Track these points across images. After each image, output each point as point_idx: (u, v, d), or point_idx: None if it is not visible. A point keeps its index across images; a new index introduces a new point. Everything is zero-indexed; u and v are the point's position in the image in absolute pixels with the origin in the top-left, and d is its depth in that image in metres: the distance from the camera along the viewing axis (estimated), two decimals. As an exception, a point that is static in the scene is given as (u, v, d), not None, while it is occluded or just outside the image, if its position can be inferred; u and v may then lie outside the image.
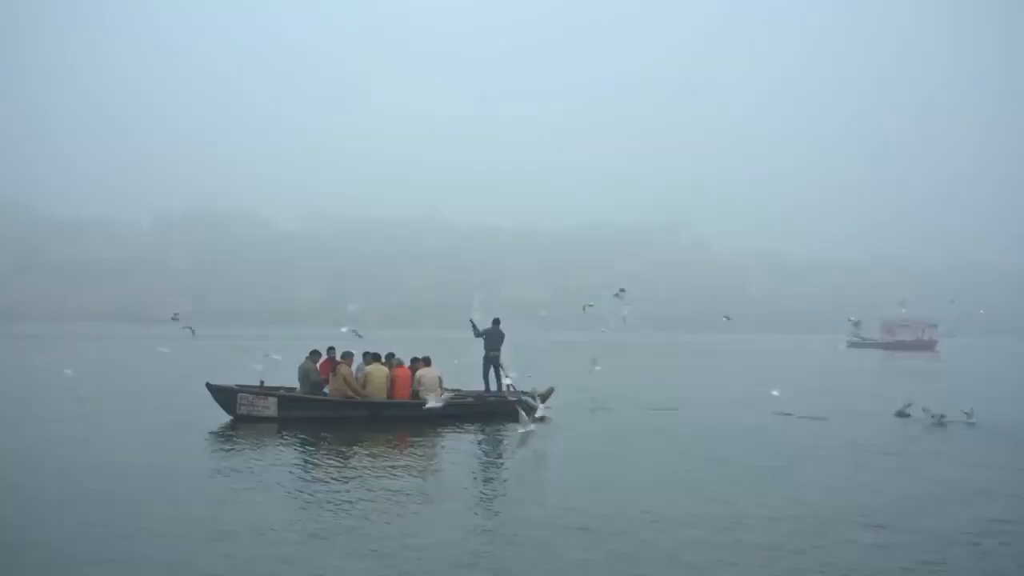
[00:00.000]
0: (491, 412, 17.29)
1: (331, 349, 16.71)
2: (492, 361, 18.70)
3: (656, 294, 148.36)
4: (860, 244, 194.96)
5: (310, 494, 10.32)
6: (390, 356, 17.12)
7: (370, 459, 12.73)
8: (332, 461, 12.50)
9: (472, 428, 16.01)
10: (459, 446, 14.44)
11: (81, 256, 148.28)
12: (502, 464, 13.30)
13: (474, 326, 19.20)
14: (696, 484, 11.39)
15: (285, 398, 15.97)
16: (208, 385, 16.02)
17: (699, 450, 14.10)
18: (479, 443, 14.89)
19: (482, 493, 10.99)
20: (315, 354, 16.68)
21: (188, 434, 14.70)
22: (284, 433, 14.73)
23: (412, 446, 14.17)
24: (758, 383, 23.23)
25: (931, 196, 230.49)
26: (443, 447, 14.41)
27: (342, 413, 15.90)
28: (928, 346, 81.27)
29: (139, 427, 15.57)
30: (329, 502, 9.90)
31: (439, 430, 15.62)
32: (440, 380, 16.98)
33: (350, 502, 9.89)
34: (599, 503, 10.18)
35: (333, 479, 11.20)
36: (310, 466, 12.10)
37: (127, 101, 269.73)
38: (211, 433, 14.79)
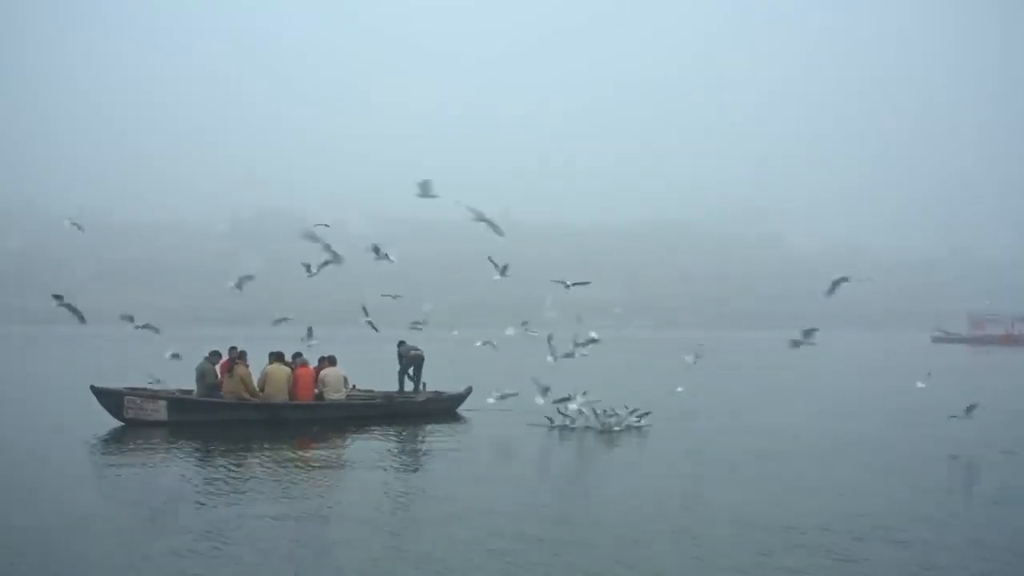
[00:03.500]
0: (399, 413, 16.01)
1: (232, 349, 15.18)
2: (414, 361, 17.24)
3: (726, 290, 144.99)
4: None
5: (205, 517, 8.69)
6: (296, 355, 15.57)
7: (271, 471, 11.01)
8: (227, 473, 10.86)
9: (378, 430, 14.48)
10: (368, 448, 13.03)
11: (154, 259, 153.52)
12: (416, 468, 11.90)
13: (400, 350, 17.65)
14: (695, 491, 10.16)
15: (176, 401, 14.38)
16: (93, 388, 14.39)
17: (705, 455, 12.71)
18: (388, 446, 13.42)
19: (409, 505, 9.54)
20: (215, 355, 15.03)
21: (59, 443, 13.23)
22: (172, 440, 13.12)
23: (317, 452, 12.76)
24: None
25: (931, 194, 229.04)
26: (351, 452, 12.97)
27: (239, 416, 14.34)
28: (1020, 340, 75.65)
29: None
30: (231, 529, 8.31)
31: (344, 433, 14.14)
32: (346, 380, 15.50)
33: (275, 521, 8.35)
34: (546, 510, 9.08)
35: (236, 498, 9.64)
36: (203, 483, 10.34)
37: (128, 101, 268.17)
38: (87, 442, 13.18)
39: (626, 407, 14.92)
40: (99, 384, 14.69)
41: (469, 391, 16.87)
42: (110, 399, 14.45)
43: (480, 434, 14.80)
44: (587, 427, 14.60)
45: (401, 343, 17.59)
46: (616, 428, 14.43)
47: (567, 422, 14.70)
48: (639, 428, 14.58)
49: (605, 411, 14.67)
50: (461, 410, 16.86)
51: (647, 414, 14.87)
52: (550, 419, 14.85)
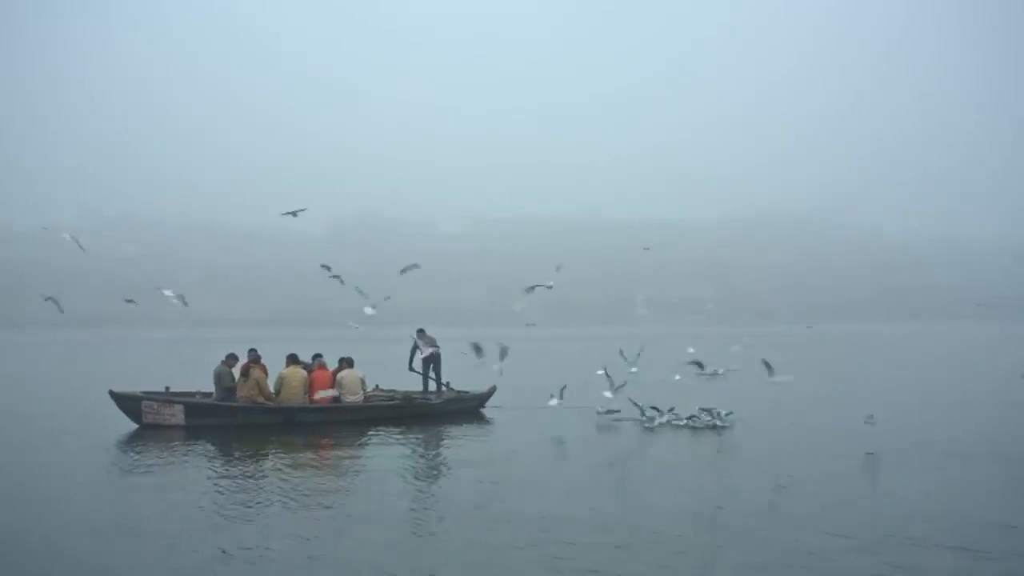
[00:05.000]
0: (419, 415, 15.43)
1: (251, 351, 14.82)
2: (433, 359, 16.53)
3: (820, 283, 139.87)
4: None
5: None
6: (316, 356, 15.10)
7: (289, 477, 10.45)
8: (244, 479, 10.41)
9: (398, 432, 13.90)
10: (388, 451, 12.49)
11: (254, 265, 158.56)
12: (440, 470, 11.30)
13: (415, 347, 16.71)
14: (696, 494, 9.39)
15: (192, 405, 14.08)
16: (111, 392, 14.22)
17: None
18: (408, 448, 12.85)
19: (436, 507, 8.98)
20: (231, 357, 14.74)
21: (79, 446, 12.93)
22: (190, 444, 12.77)
23: (336, 456, 12.25)
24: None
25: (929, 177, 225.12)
26: (371, 455, 12.35)
27: (254, 420, 13.98)
28: None
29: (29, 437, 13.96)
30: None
31: (362, 435, 13.57)
32: (363, 382, 14.97)
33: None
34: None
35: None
36: (220, 490, 9.83)
37: (130, 101, 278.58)
38: (105, 446, 12.88)
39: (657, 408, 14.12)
40: (117, 389, 14.61)
41: (493, 390, 16.20)
42: (128, 403, 14.32)
43: (507, 435, 14.13)
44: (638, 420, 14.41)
45: (420, 331, 16.75)
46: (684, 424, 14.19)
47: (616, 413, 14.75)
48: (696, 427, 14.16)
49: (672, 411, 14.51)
50: (485, 409, 16.27)
51: (730, 413, 14.43)
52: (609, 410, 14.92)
